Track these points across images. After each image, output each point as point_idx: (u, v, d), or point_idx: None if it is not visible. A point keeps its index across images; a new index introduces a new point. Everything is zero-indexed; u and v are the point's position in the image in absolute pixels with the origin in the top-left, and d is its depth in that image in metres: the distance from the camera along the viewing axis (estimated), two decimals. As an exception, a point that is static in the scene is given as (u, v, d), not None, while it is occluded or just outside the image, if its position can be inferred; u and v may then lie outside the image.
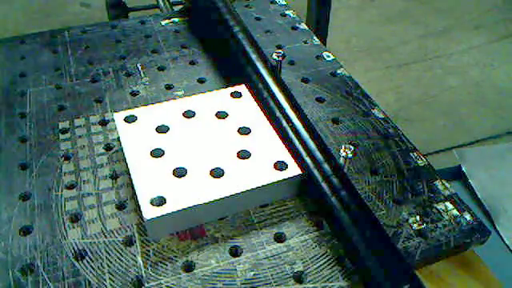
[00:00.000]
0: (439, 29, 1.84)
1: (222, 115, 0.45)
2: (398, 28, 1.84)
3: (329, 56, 0.59)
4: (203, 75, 0.55)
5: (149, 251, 0.37)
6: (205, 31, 0.61)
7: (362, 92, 0.54)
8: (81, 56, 0.58)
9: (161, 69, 0.56)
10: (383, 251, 0.34)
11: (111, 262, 0.36)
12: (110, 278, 0.35)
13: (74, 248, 0.37)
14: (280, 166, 0.40)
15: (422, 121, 1.43)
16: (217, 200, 0.38)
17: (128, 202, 0.41)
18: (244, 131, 0.43)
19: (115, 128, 0.45)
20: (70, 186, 0.42)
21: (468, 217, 0.40)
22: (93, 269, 0.36)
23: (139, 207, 0.37)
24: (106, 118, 0.49)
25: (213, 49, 0.59)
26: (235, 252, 0.37)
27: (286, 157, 0.41)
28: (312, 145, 0.41)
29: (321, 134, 0.44)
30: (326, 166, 0.39)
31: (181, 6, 0.74)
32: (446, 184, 0.43)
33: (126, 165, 0.41)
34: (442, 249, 0.38)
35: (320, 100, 0.52)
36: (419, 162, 0.45)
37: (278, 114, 0.44)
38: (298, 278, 0.36)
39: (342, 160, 0.41)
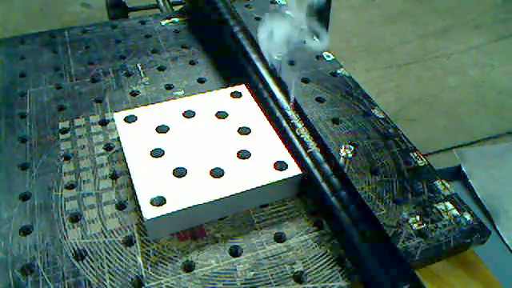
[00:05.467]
0: (439, 29, 1.84)
1: (222, 115, 0.45)
2: (398, 28, 1.84)
3: (329, 56, 0.59)
4: (203, 75, 0.55)
5: (149, 251, 0.37)
6: (205, 31, 0.61)
7: (361, 92, 0.54)
8: (81, 56, 0.58)
9: (161, 69, 0.56)
10: (383, 251, 0.34)
11: (111, 262, 0.36)
12: (109, 278, 0.35)
13: (74, 248, 0.37)
14: (280, 166, 0.40)
15: (422, 121, 1.43)
16: (217, 200, 0.38)
17: (128, 201, 0.41)
18: (244, 131, 0.43)
19: (115, 128, 0.45)
20: (70, 186, 0.42)
21: (468, 217, 0.40)
22: (93, 269, 0.36)
23: (139, 207, 0.37)
24: (106, 118, 0.49)
25: (213, 49, 0.59)
26: (235, 252, 0.37)
27: (286, 157, 0.41)
28: (312, 145, 0.41)
29: (321, 133, 0.44)
30: (325, 166, 0.39)
31: (181, 6, 0.74)
32: (446, 184, 0.43)
33: (126, 165, 0.41)
34: (442, 249, 0.38)
35: (320, 100, 0.52)
36: (419, 162, 0.45)
37: (278, 114, 0.44)
38: (298, 278, 0.36)
39: (341, 160, 0.41)
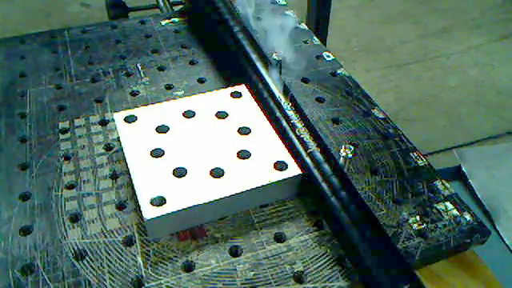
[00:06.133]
0: (439, 29, 1.84)
1: (221, 115, 0.45)
2: (398, 28, 1.84)
3: (329, 56, 0.59)
4: (203, 75, 0.55)
5: (149, 251, 0.37)
6: (205, 31, 0.61)
7: (362, 92, 0.54)
8: (81, 56, 0.58)
9: (161, 69, 0.56)
10: (383, 251, 0.34)
11: (111, 262, 0.36)
12: (109, 278, 0.35)
13: (74, 248, 0.37)
14: (280, 166, 0.40)
15: (422, 121, 1.43)
16: (217, 200, 0.38)
17: (128, 201, 0.41)
18: (244, 131, 0.43)
19: (115, 128, 0.45)
20: (70, 186, 0.42)
21: (468, 217, 0.40)
22: (93, 269, 0.36)
23: (139, 207, 0.37)
24: (106, 118, 0.49)
25: (213, 49, 0.59)
26: (235, 252, 0.37)
27: (286, 157, 0.41)
28: (312, 145, 0.41)
29: (321, 133, 0.44)
30: (325, 166, 0.39)
31: (181, 6, 0.74)
32: (446, 184, 0.43)
33: (126, 165, 0.41)
34: (442, 249, 0.38)
35: (320, 100, 0.52)
36: (419, 162, 0.45)
37: (277, 113, 0.44)
38: (298, 278, 0.36)
39: (341, 160, 0.41)
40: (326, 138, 0.47)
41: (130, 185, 0.42)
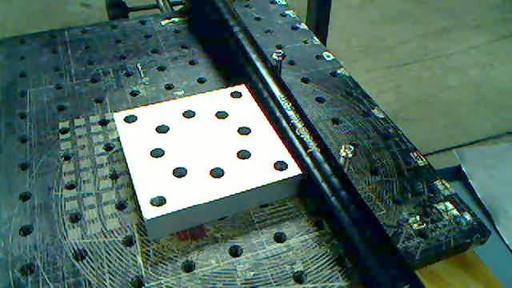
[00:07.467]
0: (439, 29, 1.84)
1: (222, 115, 0.45)
2: (398, 28, 1.84)
3: (329, 56, 0.59)
4: (203, 75, 0.55)
5: (149, 251, 0.37)
6: (205, 31, 0.61)
7: (362, 92, 0.54)
8: (81, 56, 0.58)
9: (161, 69, 0.56)
10: (383, 251, 0.34)
11: (111, 262, 0.36)
12: (109, 278, 0.35)
13: (74, 248, 0.37)
14: (280, 166, 0.40)
15: (422, 121, 1.43)
16: (217, 200, 0.38)
17: (128, 202, 0.41)
18: (244, 131, 0.43)
19: (115, 128, 0.45)
20: (70, 186, 0.42)
21: (468, 217, 0.40)
22: (93, 269, 0.36)
23: (139, 207, 0.37)
24: (106, 118, 0.49)
25: (213, 49, 0.59)
26: (235, 252, 0.37)
27: (286, 157, 0.41)
28: (312, 145, 0.41)
29: (321, 133, 0.44)
30: (325, 166, 0.39)
31: (181, 6, 0.74)
32: (446, 184, 0.43)
33: (126, 165, 0.41)
34: (442, 249, 0.38)
35: (320, 100, 0.52)
36: (419, 162, 0.45)
37: (278, 113, 0.44)
38: (298, 278, 0.36)
39: (341, 160, 0.41)
40: (326, 138, 0.47)
41: (130, 185, 0.42)
